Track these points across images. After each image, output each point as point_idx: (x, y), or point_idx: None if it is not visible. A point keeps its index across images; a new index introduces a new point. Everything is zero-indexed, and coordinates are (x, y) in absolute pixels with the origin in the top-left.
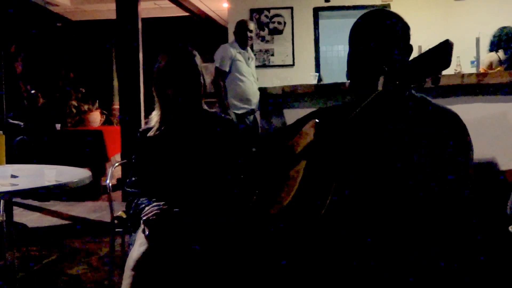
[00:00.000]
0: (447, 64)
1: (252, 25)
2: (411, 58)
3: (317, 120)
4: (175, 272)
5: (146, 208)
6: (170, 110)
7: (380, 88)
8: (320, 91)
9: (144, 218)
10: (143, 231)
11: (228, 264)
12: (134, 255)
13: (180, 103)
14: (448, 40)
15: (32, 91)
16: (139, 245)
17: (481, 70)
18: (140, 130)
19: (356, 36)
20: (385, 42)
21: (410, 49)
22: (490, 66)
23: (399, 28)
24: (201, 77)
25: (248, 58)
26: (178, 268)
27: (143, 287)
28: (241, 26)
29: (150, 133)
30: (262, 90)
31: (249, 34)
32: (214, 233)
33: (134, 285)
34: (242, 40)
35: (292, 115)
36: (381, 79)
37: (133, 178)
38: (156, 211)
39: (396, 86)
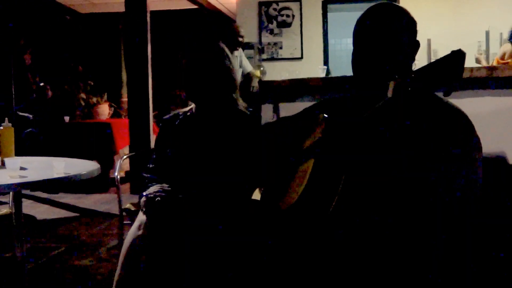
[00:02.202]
0: (459, 77)
1: (242, 31)
2: (417, 52)
3: (325, 115)
4: (168, 257)
5: (150, 188)
6: (199, 103)
7: (389, 94)
8: (328, 84)
9: (145, 194)
10: (141, 209)
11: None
12: (130, 237)
13: (198, 99)
14: (460, 50)
15: (41, 84)
16: (137, 228)
17: (495, 61)
18: (164, 117)
19: (361, 31)
20: (390, 38)
21: (416, 44)
22: (503, 57)
23: (404, 23)
24: (223, 73)
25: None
26: (172, 253)
27: (135, 269)
28: (231, 33)
29: (176, 122)
30: (270, 83)
31: (240, 39)
32: (214, 225)
33: (127, 266)
34: (229, 46)
35: (300, 108)
36: (391, 85)
37: (151, 165)
38: (158, 189)
39: (407, 95)
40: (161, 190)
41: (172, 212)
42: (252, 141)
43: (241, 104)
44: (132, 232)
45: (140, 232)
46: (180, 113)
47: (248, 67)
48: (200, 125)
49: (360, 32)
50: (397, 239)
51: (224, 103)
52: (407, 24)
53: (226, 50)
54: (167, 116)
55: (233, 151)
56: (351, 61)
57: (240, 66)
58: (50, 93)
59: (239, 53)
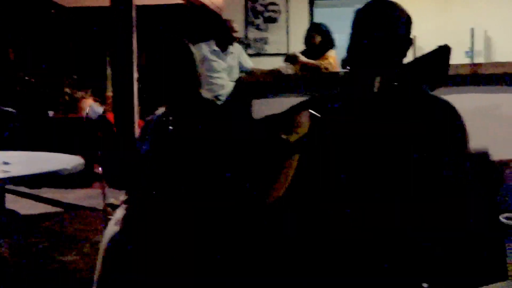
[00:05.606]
0: (445, 73)
1: (236, 27)
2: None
3: (311, 111)
4: (145, 253)
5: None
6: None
7: (376, 90)
8: (314, 80)
9: (123, 199)
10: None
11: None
12: (108, 235)
13: (168, 102)
14: (446, 45)
15: (26, 78)
16: (113, 224)
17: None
18: (146, 118)
19: (360, 26)
20: (389, 33)
21: (410, 42)
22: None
23: (403, 20)
24: (190, 73)
25: (226, 54)
26: (148, 248)
27: (114, 265)
28: (224, 28)
29: (153, 122)
30: (255, 80)
31: (233, 35)
32: (190, 220)
33: (106, 263)
34: (222, 42)
35: (284, 105)
36: (378, 80)
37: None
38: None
39: (393, 89)
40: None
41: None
42: (228, 129)
43: (205, 94)
44: (109, 229)
45: (116, 228)
46: (158, 114)
47: (248, 64)
48: (174, 123)
49: (361, 25)
50: (387, 230)
51: (192, 98)
52: (405, 21)
53: (190, 46)
54: (149, 117)
55: (212, 142)
56: (347, 51)
57: (240, 66)
58: (34, 86)
59: (236, 50)
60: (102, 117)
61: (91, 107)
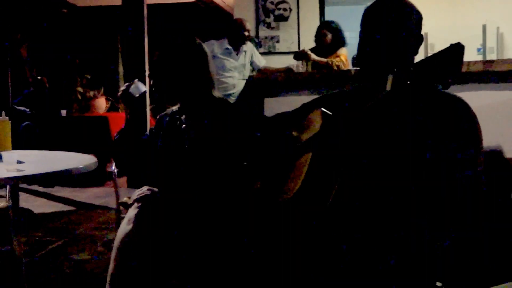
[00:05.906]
0: (458, 71)
1: (248, 26)
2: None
3: (323, 109)
4: (159, 250)
5: (137, 190)
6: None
7: (388, 88)
8: (325, 78)
9: (135, 198)
10: (130, 206)
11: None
12: (121, 233)
13: (180, 100)
14: (459, 43)
15: (38, 77)
16: (126, 223)
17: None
18: (159, 115)
19: (370, 23)
20: (399, 32)
21: (421, 39)
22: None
23: (414, 17)
24: (204, 72)
25: (238, 53)
26: (161, 248)
27: (127, 264)
28: (235, 27)
29: (165, 119)
30: (265, 77)
31: (245, 34)
32: (201, 218)
33: (119, 262)
34: (234, 40)
35: (296, 103)
36: (390, 79)
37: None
38: (146, 193)
39: (406, 88)
40: (147, 189)
41: (159, 211)
42: (240, 127)
43: (216, 93)
44: (122, 228)
45: (129, 227)
46: (171, 112)
47: (261, 62)
48: (186, 122)
49: (372, 21)
50: (398, 231)
51: (204, 95)
52: (415, 17)
53: (202, 44)
54: (162, 114)
55: (224, 140)
56: (358, 49)
57: (251, 63)
58: (47, 85)
59: (248, 48)
60: (143, 95)
61: (135, 83)
